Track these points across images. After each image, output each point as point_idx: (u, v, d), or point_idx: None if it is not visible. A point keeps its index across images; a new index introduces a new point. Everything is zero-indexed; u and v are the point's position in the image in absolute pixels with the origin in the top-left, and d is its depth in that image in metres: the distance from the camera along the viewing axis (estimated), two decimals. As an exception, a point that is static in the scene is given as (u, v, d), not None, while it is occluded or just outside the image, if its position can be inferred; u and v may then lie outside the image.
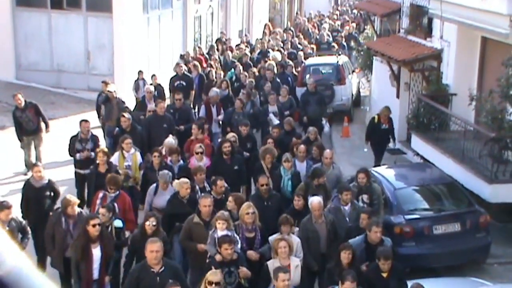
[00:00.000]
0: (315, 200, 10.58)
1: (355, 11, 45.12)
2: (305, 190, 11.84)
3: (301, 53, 26.75)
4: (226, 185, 11.72)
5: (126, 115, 15.04)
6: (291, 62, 24.27)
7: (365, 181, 12.00)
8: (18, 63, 25.83)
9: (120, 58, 24.67)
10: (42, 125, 16.64)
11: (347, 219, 11.13)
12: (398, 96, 20.19)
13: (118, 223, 10.47)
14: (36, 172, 11.76)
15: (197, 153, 13.25)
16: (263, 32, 34.95)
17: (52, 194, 11.84)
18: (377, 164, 16.34)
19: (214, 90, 18.21)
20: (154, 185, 11.96)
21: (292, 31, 35.07)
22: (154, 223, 9.83)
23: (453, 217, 12.30)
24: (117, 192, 11.26)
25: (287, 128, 15.48)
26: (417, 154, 16.91)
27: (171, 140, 14.13)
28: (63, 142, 14.74)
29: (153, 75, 21.17)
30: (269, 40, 29.41)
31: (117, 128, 15.28)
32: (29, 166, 15.33)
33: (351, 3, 51.59)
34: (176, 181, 11.73)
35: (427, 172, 14.12)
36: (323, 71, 23.85)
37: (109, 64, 25.16)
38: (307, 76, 22.75)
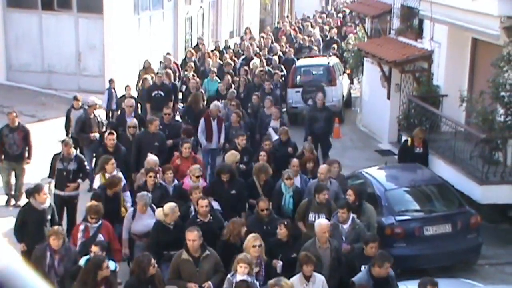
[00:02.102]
0: (323, 222, 9.74)
1: (340, 14, 44.91)
2: (305, 209, 11.13)
3: (275, 57, 25.88)
4: (213, 205, 10.77)
5: (112, 133, 13.69)
6: (277, 71, 23.30)
7: (353, 198, 11.10)
8: (9, 64, 25.70)
9: (111, 59, 24.59)
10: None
11: (343, 238, 10.33)
12: (388, 97, 20.24)
13: (111, 264, 9.10)
14: (43, 194, 10.67)
15: (197, 177, 11.97)
16: (241, 37, 33.85)
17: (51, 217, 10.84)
18: None
19: (215, 103, 16.93)
20: (132, 209, 11.02)
21: (270, 36, 34.28)
22: (156, 265, 8.84)
23: (444, 218, 12.30)
24: (99, 222, 10.20)
25: (283, 138, 14.76)
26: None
27: (155, 157, 12.75)
28: (53, 144, 14.47)
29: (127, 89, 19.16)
30: (247, 46, 28.04)
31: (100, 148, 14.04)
32: (10, 197, 14.62)
33: (341, 6, 51.41)
34: (159, 209, 10.55)
35: (418, 173, 14.12)
36: (314, 72, 23.84)
37: (100, 65, 25.08)
38: (299, 81, 22.71)
